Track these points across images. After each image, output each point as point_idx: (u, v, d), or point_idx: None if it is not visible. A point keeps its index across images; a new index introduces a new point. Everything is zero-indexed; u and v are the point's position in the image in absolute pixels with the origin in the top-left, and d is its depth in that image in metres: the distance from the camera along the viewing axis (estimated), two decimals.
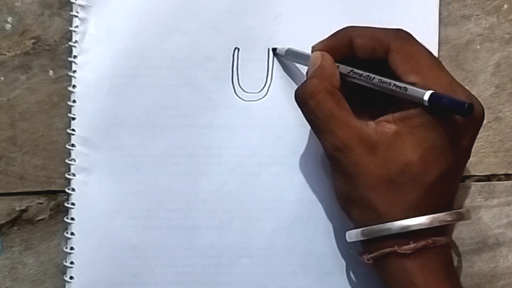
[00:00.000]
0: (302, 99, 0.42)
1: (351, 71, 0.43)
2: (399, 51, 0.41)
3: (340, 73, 0.43)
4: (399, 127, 0.40)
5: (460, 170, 0.43)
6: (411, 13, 0.48)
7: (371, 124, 0.41)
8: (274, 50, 0.47)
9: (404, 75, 0.41)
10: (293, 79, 0.47)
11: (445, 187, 0.41)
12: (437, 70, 0.41)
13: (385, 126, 0.40)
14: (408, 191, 0.40)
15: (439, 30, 0.48)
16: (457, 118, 0.40)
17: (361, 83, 0.43)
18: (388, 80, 0.41)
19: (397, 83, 0.41)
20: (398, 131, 0.40)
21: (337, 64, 0.43)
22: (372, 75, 0.42)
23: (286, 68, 0.48)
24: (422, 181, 0.40)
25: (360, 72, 0.42)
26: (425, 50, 0.42)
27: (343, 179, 0.42)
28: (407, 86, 0.40)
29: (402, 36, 0.42)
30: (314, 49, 0.45)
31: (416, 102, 0.40)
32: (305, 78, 0.44)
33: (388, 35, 0.42)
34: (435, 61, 0.42)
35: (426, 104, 0.39)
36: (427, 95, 0.39)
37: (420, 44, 0.42)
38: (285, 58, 0.47)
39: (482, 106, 0.41)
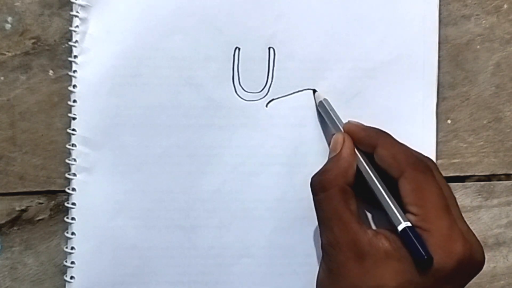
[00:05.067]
0: (315, 189, 0.43)
1: (363, 167, 0.43)
2: (411, 181, 0.41)
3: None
4: (391, 249, 0.40)
5: None
6: (411, 13, 0.48)
7: (369, 233, 0.41)
8: (314, 91, 0.48)
9: (409, 205, 0.41)
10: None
11: None
12: (441, 210, 0.40)
13: (381, 240, 0.40)
14: None
15: (439, 30, 0.48)
16: (449, 262, 0.39)
17: (368, 182, 0.43)
18: (384, 195, 0.42)
19: (389, 201, 0.41)
20: (389, 253, 0.40)
21: (358, 152, 0.44)
22: (374, 181, 0.42)
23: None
24: None
25: (369, 173, 0.43)
26: (438, 188, 0.41)
27: (327, 273, 0.42)
28: (392, 207, 0.41)
29: (420, 168, 0.42)
30: (345, 125, 0.45)
31: None
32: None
33: (408, 162, 0.42)
34: (443, 201, 0.41)
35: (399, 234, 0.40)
36: (401, 226, 0.40)
37: (436, 180, 0.42)
38: (318, 106, 0.47)
39: (482, 255, 0.41)
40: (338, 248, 0.40)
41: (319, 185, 0.42)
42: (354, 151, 0.44)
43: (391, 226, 0.41)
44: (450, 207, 0.41)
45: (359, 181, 0.43)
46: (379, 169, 0.43)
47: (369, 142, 0.43)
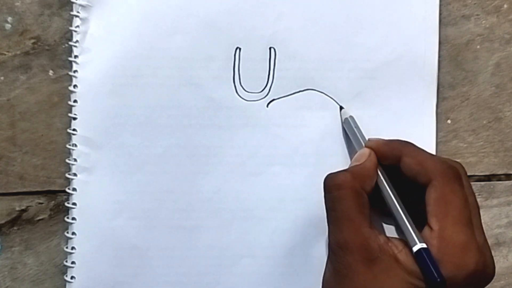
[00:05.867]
0: (328, 186, 0.42)
1: (383, 185, 0.43)
2: (437, 189, 0.41)
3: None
4: (402, 258, 0.40)
5: None
6: (411, 13, 0.48)
7: (381, 238, 0.40)
8: (341, 108, 0.48)
9: (430, 216, 0.40)
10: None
11: None
12: (459, 225, 0.40)
13: (392, 248, 0.40)
14: None
15: (439, 30, 0.48)
16: (460, 276, 0.39)
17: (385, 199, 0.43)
18: (401, 214, 0.41)
19: (405, 220, 0.41)
20: (399, 260, 0.40)
21: (380, 171, 0.43)
22: (392, 199, 0.42)
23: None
24: None
25: (388, 191, 0.43)
26: (463, 199, 0.41)
27: (333, 274, 0.42)
28: (408, 227, 0.41)
29: (449, 175, 0.41)
30: (367, 143, 0.45)
31: None
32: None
33: (437, 169, 0.41)
34: (466, 214, 0.40)
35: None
36: (416, 247, 0.39)
37: (463, 189, 0.41)
38: (343, 123, 0.47)
39: (493, 269, 0.41)
40: (347, 249, 0.40)
41: (334, 183, 0.42)
42: (377, 166, 0.43)
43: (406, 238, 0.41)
44: (472, 218, 0.41)
45: (378, 199, 0.43)
46: (405, 180, 0.42)
47: (393, 153, 0.43)
